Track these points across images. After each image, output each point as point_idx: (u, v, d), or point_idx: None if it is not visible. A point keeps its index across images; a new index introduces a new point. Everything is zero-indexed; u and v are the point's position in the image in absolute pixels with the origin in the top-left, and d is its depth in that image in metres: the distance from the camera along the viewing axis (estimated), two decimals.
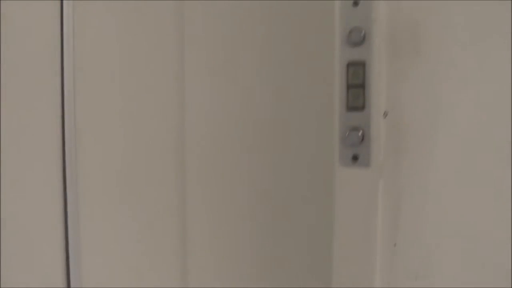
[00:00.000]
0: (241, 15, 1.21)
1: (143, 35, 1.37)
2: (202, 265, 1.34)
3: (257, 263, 1.28)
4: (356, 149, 0.94)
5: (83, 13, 1.36)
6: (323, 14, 1.02)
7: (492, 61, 0.88)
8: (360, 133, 0.93)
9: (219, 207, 1.32)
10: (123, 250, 1.45)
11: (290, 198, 1.21)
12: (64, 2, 1.38)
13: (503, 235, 0.90)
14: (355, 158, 0.95)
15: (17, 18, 1.31)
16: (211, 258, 1.33)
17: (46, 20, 1.33)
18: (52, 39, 1.38)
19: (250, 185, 1.26)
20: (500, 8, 0.87)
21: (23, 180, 1.37)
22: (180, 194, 1.35)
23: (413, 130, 0.94)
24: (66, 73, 1.40)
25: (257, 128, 1.21)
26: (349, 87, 0.94)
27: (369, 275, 0.96)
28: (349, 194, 0.97)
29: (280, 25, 1.15)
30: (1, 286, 1.46)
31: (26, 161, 1.37)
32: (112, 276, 1.46)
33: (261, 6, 1.18)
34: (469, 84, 0.90)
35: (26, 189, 1.38)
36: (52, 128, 1.39)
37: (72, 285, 1.47)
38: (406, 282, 0.96)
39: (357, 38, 0.92)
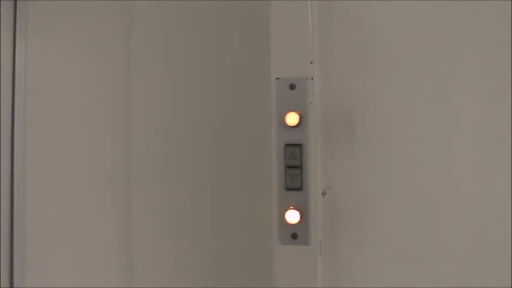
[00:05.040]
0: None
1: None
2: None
3: None
4: (295, 227, 0.96)
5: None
6: (261, 97, 1.05)
7: (420, 153, 0.94)
8: (298, 212, 0.96)
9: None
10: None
11: (230, 276, 1.21)
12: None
13: None
14: (294, 236, 0.97)
15: None
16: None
17: None
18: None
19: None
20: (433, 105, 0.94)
21: None
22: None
23: (350, 208, 0.97)
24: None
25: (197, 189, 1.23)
26: (287, 167, 0.96)
27: None
28: (288, 271, 0.98)
29: (216, 106, 1.19)
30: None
31: None
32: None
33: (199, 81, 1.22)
34: (401, 170, 0.95)
35: None
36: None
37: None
38: None
39: (294, 120, 0.95)
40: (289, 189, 0.97)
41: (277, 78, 0.98)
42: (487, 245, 0.92)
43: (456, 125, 0.93)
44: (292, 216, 0.96)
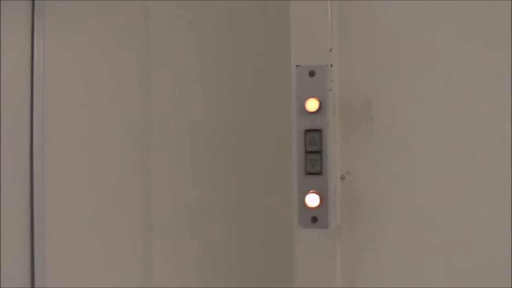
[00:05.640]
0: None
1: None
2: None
3: None
4: (315, 211, 0.99)
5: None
6: (282, 84, 1.08)
7: (437, 142, 0.97)
8: (318, 196, 0.98)
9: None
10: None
11: (251, 257, 1.24)
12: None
13: None
14: (314, 220, 0.99)
15: None
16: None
17: None
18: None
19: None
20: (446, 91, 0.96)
21: None
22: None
23: (367, 194, 0.99)
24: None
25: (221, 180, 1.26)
26: (307, 153, 0.99)
27: None
28: (308, 254, 1.00)
29: (238, 91, 1.22)
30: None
31: None
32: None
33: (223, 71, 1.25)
34: (418, 158, 0.97)
35: None
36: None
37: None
38: None
39: (314, 106, 0.98)
40: (309, 173, 0.99)
41: (297, 66, 1.00)
42: (501, 233, 0.94)
43: (471, 117, 0.95)
44: (312, 200, 0.98)
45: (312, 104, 0.98)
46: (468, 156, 0.95)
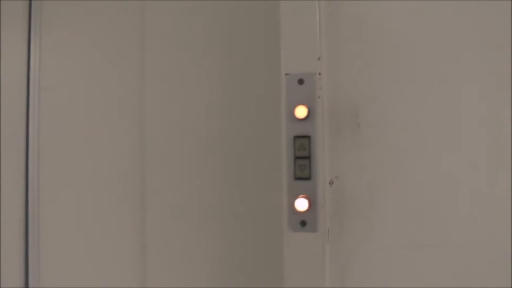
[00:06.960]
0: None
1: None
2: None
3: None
4: (304, 215, 1.02)
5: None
6: (271, 92, 1.11)
7: (423, 145, 0.99)
8: (307, 201, 1.01)
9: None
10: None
11: (242, 259, 1.26)
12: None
13: None
14: (303, 223, 1.02)
15: None
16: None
17: None
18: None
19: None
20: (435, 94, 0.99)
21: None
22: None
23: (357, 197, 1.02)
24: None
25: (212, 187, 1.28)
26: (296, 158, 1.02)
27: None
28: (297, 257, 1.03)
29: (228, 100, 1.25)
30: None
31: None
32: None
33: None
34: (405, 161, 1.00)
35: None
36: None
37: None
38: None
39: (303, 113, 1.01)
40: (298, 178, 1.02)
41: (286, 74, 1.03)
42: (489, 233, 0.97)
43: (457, 118, 0.98)
44: (301, 204, 1.01)
45: (301, 111, 1.01)
46: (457, 158, 0.98)
